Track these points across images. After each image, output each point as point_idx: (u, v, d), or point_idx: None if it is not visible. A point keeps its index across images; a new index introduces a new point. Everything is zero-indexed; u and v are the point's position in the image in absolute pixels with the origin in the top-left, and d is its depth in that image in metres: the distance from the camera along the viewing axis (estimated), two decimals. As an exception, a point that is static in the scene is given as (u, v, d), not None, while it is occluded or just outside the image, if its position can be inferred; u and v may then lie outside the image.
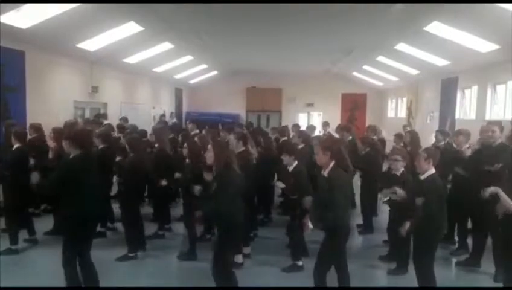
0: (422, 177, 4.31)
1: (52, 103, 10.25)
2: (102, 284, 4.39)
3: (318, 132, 10.43)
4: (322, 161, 4.15)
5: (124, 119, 10.94)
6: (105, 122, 10.44)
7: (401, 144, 8.03)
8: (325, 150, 4.12)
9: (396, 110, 20.53)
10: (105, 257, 5.44)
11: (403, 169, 5.27)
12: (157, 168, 6.30)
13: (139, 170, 5.69)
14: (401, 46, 12.44)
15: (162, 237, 6.62)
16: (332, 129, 10.77)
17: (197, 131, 9.49)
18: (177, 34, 11.69)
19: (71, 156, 4.18)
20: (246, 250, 5.74)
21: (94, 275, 4.26)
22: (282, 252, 5.95)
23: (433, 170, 4.29)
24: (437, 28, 9.61)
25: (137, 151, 5.79)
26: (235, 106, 21.67)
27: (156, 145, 7.07)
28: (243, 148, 5.72)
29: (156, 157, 6.57)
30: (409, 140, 7.71)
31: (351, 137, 8.38)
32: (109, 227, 6.85)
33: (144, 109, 16.44)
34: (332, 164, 4.07)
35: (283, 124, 18.76)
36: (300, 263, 5.40)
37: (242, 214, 4.26)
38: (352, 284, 4.31)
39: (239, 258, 5.42)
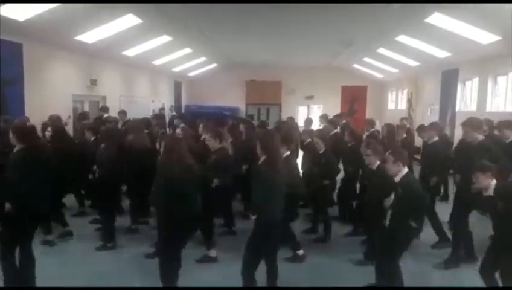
0: (396, 179, 4.26)
1: (51, 96, 10.20)
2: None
3: (319, 125, 10.34)
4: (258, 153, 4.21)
5: (123, 113, 10.83)
6: (106, 115, 10.37)
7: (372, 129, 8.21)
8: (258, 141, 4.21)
9: (396, 102, 20.48)
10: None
11: (378, 162, 5.14)
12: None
13: (112, 160, 5.66)
14: (402, 38, 12.36)
15: (136, 232, 6.46)
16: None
17: (183, 125, 9.48)
18: (176, 26, 11.60)
19: (15, 150, 4.21)
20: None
21: (31, 267, 4.29)
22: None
23: (405, 170, 4.25)
24: (438, 19, 9.54)
25: (108, 143, 5.76)
26: (234, 99, 21.60)
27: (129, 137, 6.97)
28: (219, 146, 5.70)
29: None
30: (385, 133, 7.67)
31: (336, 130, 8.38)
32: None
33: (143, 102, 16.38)
34: (263, 157, 4.08)
35: (283, 116, 18.73)
36: (301, 251, 5.43)
37: (188, 208, 4.10)
38: (330, 278, 4.30)
39: (213, 252, 5.41)
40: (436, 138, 6.51)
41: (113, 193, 5.89)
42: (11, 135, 4.32)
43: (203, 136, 7.19)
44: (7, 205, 4.12)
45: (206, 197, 4.52)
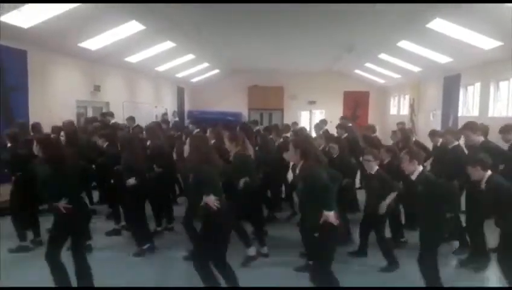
0: (413, 177, 4.34)
1: (54, 102, 10.28)
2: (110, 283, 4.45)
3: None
4: (293, 159, 4.15)
5: (131, 119, 10.83)
6: (113, 120, 10.44)
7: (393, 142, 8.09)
8: (295, 147, 4.06)
9: (398, 107, 20.50)
10: (118, 255, 5.56)
11: (377, 167, 5.35)
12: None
13: (141, 167, 5.72)
14: (404, 44, 12.41)
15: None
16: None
17: (198, 130, 9.53)
18: (179, 32, 11.69)
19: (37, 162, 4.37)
20: (263, 250, 5.73)
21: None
22: (292, 251, 5.78)
23: (420, 168, 4.32)
24: (439, 25, 9.58)
25: (132, 149, 5.81)
26: (237, 105, 21.68)
27: (149, 143, 7.05)
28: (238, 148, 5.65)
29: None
30: (400, 137, 7.72)
31: (346, 134, 8.41)
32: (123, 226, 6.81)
33: (146, 108, 16.46)
34: (301, 162, 4.02)
35: (285, 122, 18.75)
36: None
37: (227, 210, 4.11)
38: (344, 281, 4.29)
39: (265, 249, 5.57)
40: (457, 142, 6.37)
41: (143, 199, 5.92)
42: (35, 144, 4.44)
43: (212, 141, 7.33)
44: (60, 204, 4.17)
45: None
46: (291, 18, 10.21)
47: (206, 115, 19.04)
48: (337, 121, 11.09)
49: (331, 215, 3.74)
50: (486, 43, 9.75)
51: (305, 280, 4.70)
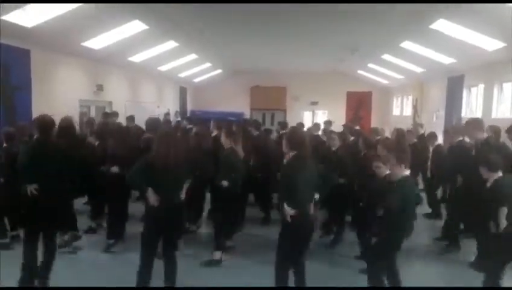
0: (394, 178, 4.29)
1: (58, 102, 10.28)
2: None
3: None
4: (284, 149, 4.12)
5: (130, 118, 10.84)
6: (117, 120, 10.44)
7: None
8: (288, 139, 4.07)
9: (401, 108, 20.44)
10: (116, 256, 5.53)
11: (387, 172, 5.04)
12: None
13: (117, 155, 5.68)
14: (407, 44, 12.38)
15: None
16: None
17: (191, 126, 9.78)
18: (182, 32, 11.70)
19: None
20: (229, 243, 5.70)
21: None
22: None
23: (406, 172, 4.22)
24: (443, 25, 9.55)
25: (114, 137, 5.83)
26: (239, 105, 21.67)
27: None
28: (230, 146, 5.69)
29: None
30: (395, 137, 7.69)
31: (352, 138, 8.35)
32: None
33: (149, 108, 16.46)
34: (292, 153, 3.98)
35: (288, 122, 18.71)
36: None
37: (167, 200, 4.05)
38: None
39: (217, 255, 5.29)
40: (461, 138, 6.32)
41: (124, 191, 5.87)
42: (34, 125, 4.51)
43: (214, 133, 7.39)
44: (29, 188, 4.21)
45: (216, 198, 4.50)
46: (294, 18, 10.19)
47: (209, 115, 19.03)
48: (339, 122, 11.10)
49: (288, 212, 3.73)
50: (490, 44, 9.72)
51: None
